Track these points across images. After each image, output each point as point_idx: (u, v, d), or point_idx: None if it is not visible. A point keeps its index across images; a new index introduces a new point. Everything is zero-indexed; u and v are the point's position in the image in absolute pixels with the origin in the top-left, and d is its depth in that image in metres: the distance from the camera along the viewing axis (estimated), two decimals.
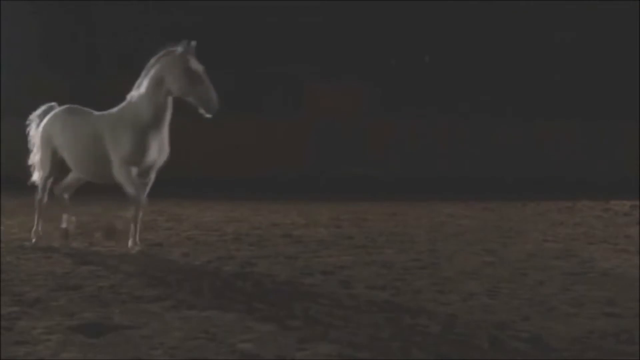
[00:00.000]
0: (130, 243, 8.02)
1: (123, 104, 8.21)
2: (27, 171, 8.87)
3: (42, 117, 8.78)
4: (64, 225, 8.62)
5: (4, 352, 4.73)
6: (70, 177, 8.74)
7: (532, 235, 9.70)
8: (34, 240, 8.56)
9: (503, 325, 5.44)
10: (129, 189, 7.95)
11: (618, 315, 5.77)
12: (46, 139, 8.57)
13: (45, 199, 8.70)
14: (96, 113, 8.47)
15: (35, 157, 8.83)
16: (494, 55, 17.46)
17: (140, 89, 8.02)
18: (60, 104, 8.80)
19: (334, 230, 9.98)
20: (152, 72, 7.94)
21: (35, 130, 8.80)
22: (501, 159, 16.68)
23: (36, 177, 8.78)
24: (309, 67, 17.41)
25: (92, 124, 8.28)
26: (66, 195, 8.78)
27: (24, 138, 8.97)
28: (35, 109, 8.97)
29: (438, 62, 17.75)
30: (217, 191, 13.75)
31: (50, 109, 8.80)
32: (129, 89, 8.19)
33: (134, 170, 7.95)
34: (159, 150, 8.04)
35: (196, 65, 7.84)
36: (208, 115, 7.84)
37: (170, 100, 7.97)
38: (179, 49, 7.84)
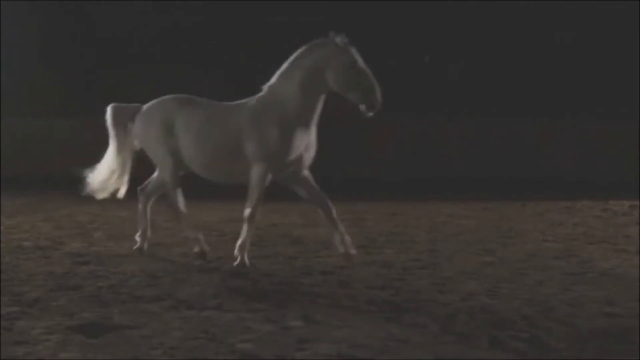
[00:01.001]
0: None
1: (262, 94, 7.36)
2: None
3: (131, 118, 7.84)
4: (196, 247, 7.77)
5: (4, 352, 4.72)
6: (157, 181, 7.98)
7: (532, 235, 9.68)
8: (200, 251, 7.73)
9: (503, 325, 5.44)
10: (256, 191, 7.39)
11: (618, 315, 5.76)
12: (161, 133, 7.59)
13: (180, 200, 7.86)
14: (224, 104, 7.62)
15: (116, 159, 7.86)
16: (494, 55, 17.47)
17: (288, 79, 7.22)
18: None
19: None
20: (307, 62, 7.17)
21: (136, 128, 7.79)
22: (501, 159, 16.68)
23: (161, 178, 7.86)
24: None
25: (227, 116, 7.44)
26: (181, 206, 7.89)
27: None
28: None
29: (438, 62, 17.75)
30: (217, 191, 13.70)
31: (138, 109, 7.84)
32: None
33: (269, 177, 7.35)
34: (306, 146, 7.30)
35: (361, 60, 7.19)
36: (370, 114, 7.17)
37: (324, 95, 7.29)
38: (341, 40, 7.14)
